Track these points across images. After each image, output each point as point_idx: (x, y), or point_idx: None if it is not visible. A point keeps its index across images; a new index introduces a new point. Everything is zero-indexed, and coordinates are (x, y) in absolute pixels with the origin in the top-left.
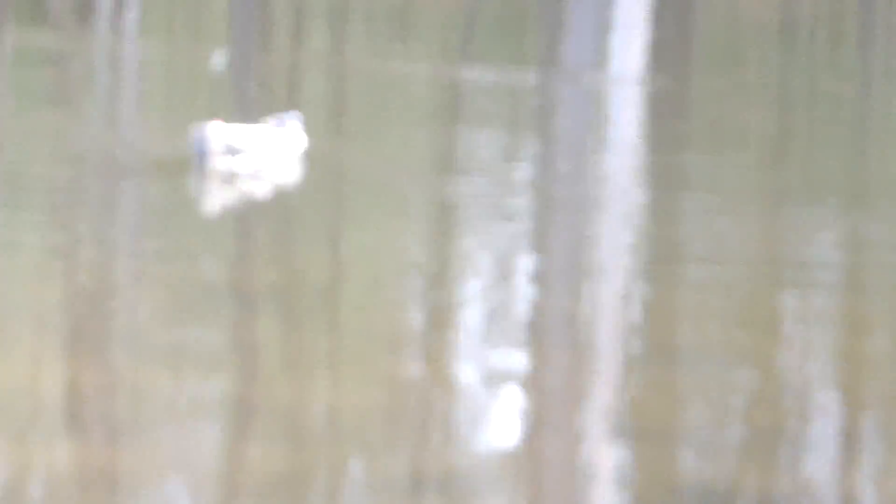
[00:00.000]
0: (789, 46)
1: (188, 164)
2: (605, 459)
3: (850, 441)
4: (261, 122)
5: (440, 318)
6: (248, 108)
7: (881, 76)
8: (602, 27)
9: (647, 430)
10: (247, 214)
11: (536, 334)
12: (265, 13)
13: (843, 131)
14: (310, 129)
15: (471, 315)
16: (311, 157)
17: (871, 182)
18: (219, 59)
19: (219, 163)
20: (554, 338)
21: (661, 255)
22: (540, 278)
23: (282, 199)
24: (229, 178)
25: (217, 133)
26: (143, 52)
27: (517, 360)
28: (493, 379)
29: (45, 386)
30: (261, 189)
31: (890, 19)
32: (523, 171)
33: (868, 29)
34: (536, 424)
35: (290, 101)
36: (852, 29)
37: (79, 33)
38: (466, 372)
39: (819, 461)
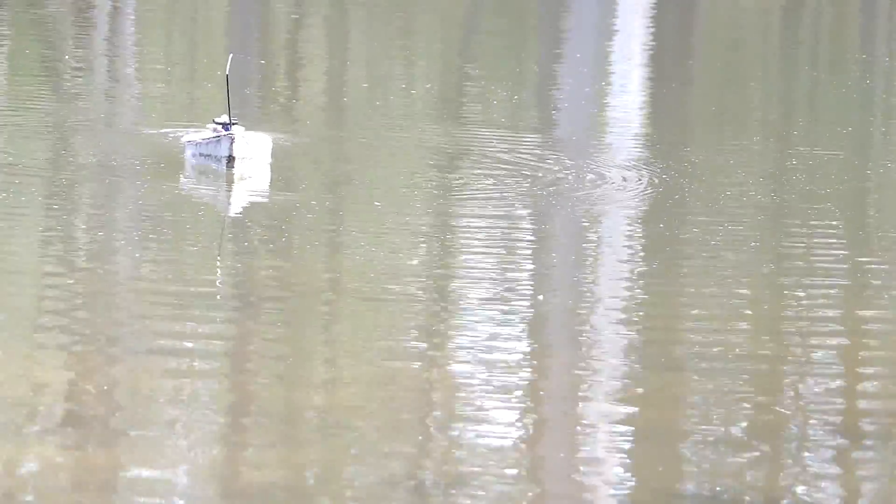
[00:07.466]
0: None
1: (181, 167)
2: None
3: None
4: (207, 126)
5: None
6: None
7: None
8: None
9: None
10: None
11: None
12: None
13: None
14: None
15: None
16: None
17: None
18: (230, 63)
19: (241, 166)
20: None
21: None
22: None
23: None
24: (244, 180)
25: (240, 138)
26: (140, 52)
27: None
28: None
29: (46, 381)
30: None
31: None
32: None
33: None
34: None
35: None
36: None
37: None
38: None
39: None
